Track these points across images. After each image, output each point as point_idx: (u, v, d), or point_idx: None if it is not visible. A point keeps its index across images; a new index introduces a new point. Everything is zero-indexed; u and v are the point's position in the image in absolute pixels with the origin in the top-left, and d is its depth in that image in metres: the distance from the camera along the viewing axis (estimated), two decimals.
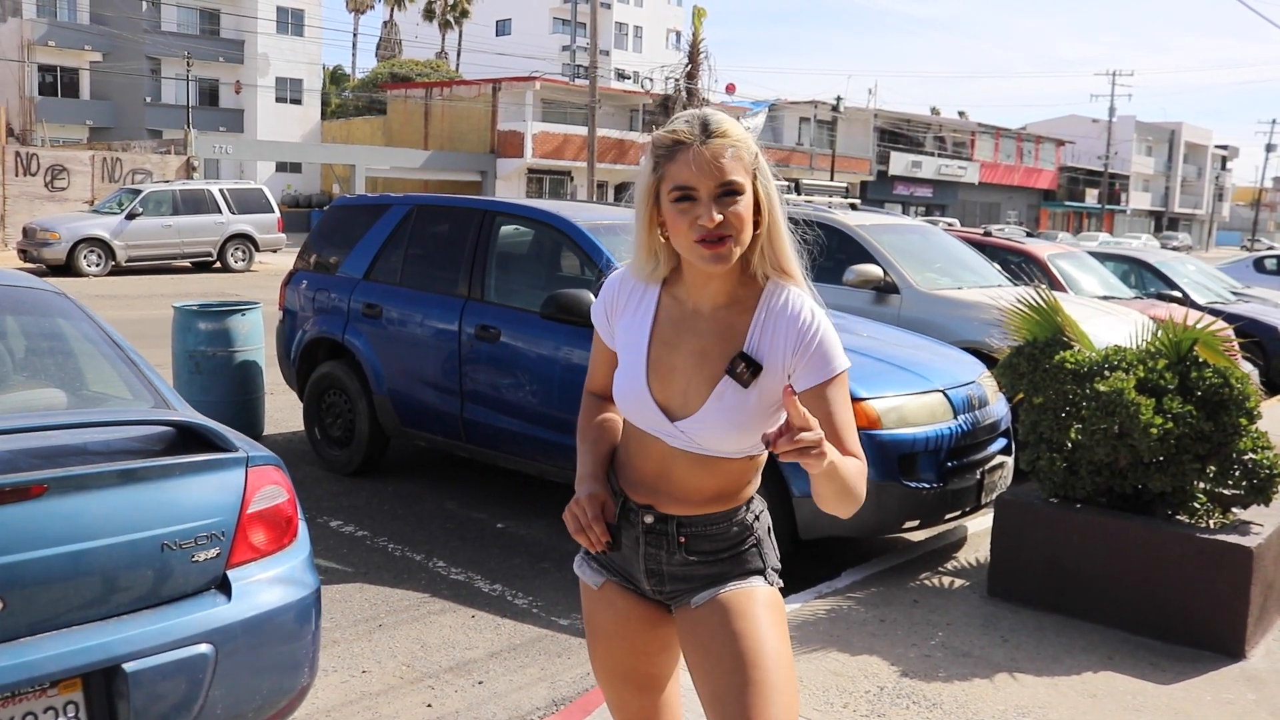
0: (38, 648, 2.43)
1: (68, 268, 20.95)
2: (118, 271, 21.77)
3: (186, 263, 23.42)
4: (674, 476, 2.05)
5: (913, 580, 4.94)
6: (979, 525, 5.64)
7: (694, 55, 39.95)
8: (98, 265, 21.39)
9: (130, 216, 21.95)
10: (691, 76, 40.06)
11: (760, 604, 2.05)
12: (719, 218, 1.86)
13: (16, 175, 26.99)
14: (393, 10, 64.58)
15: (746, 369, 1.94)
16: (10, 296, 3.55)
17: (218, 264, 23.40)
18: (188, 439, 2.89)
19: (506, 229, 6.43)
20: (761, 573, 2.10)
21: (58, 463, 2.59)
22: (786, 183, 13.04)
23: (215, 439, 2.84)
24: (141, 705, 2.52)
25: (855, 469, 1.90)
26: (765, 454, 2.07)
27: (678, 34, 66.73)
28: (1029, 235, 14.08)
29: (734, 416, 1.95)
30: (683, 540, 2.06)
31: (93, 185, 27.94)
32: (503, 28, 69.06)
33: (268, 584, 2.85)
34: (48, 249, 21.02)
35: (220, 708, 2.68)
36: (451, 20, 63.61)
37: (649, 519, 2.07)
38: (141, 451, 2.80)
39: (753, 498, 2.12)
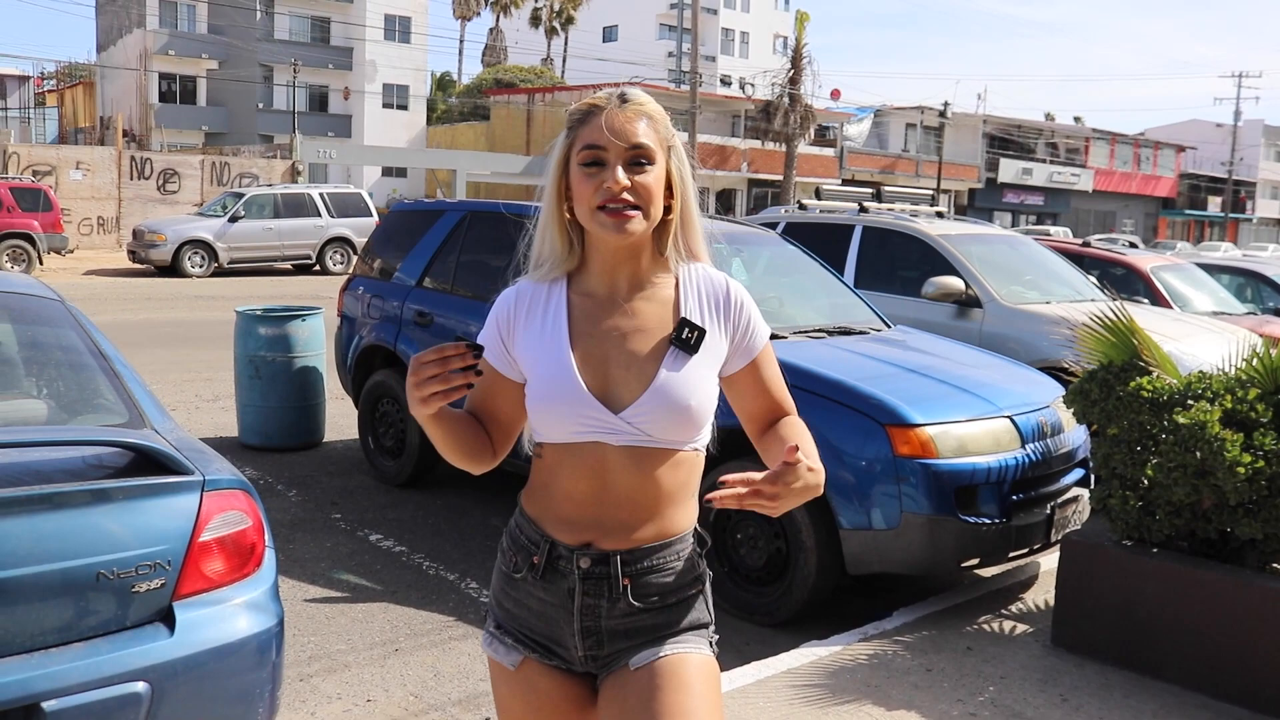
0: None
1: (173, 269, 21.52)
2: (220, 273, 22.27)
3: (287, 265, 23.86)
4: (616, 490, 1.80)
5: (971, 624, 4.52)
6: (1054, 563, 5.17)
7: (796, 60, 39.42)
8: (201, 267, 21.92)
9: (233, 219, 22.46)
10: (794, 82, 39.54)
11: (697, 674, 1.80)
12: (626, 182, 1.74)
13: (131, 179, 27.97)
14: (499, 17, 65.27)
15: (692, 333, 1.81)
16: (2, 303, 3.42)
17: (317, 266, 23.77)
18: (148, 460, 2.69)
19: None
20: (705, 628, 1.88)
21: None
22: (869, 190, 12.56)
23: (167, 461, 2.63)
24: None
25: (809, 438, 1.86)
26: (703, 452, 1.89)
27: (784, 39, 65.90)
28: (1131, 246, 13.29)
29: (684, 389, 1.80)
30: (627, 582, 1.80)
31: (202, 188, 28.78)
32: (609, 34, 69.25)
33: (219, 617, 2.63)
34: (154, 250, 21.62)
35: None
36: (557, 27, 64.07)
37: (585, 562, 1.81)
38: (92, 473, 2.61)
39: (696, 530, 1.90)
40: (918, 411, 4.45)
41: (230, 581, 2.69)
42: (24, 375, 3.22)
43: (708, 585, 1.91)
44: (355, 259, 23.76)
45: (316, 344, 7.77)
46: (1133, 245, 14.38)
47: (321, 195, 24.21)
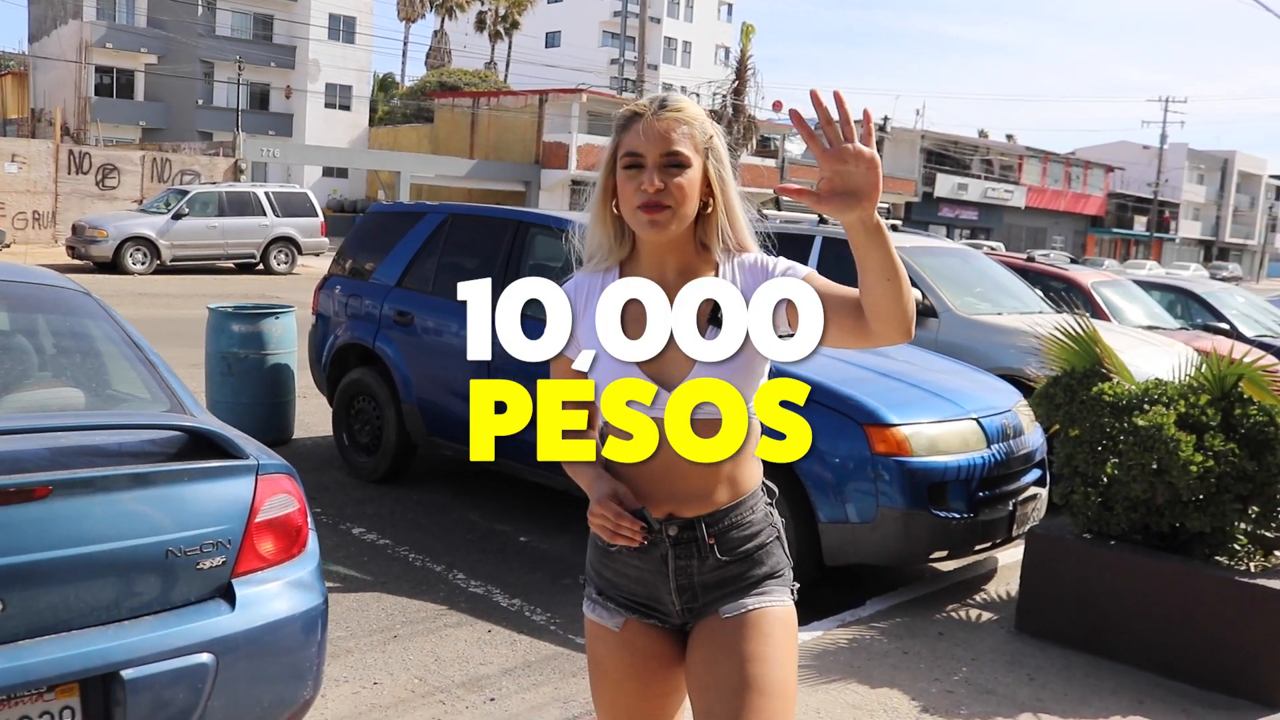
0: (35, 651, 2.40)
1: (114, 265, 21.19)
2: (163, 271, 21.97)
3: (230, 264, 23.64)
4: (683, 462, 1.95)
5: (939, 612, 4.83)
6: (1011, 557, 5.50)
7: (741, 72, 39.88)
8: (143, 264, 21.62)
9: (176, 216, 22.16)
10: (738, 93, 39.99)
11: (780, 625, 2.03)
12: (659, 184, 1.94)
13: (69, 173, 27.45)
14: (444, 20, 65.03)
15: (718, 308, 1.92)
16: (35, 294, 3.55)
17: (260, 266, 23.56)
18: (199, 444, 2.85)
19: (540, 240, 6.39)
20: (784, 576, 2.10)
21: (65, 464, 2.56)
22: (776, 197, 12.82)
23: (226, 445, 2.80)
24: (138, 713, 2.48)
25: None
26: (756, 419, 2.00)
27: (727, 50, 66.67)
28: (1073, 261, 13.83)
29: (727, 362, 1.93)
30: (712, 541, 2.03)
31: (142, 185, 28.34)
32: (552, 39, 69.44)
33: (273, 594, 2.80)
34: (95, 246, 21.27)
35: (219, 719, 2.63)
36: (502, 31, 63.96)
37: (673, 531, 2.03)
38: (151, 455, 2.77)
39: (764, 483, 2.11)
40: (893, 412, 4.74)
41: (281, 561, 2.87)
42: (69, 364, 3.35)
43: (782, 531, 2.13)
44: (299, 258, 23.66)
45: (289, 342, 7.87)
46: (1074, 261, 14.92)
47: (267, 194, 24.01)
